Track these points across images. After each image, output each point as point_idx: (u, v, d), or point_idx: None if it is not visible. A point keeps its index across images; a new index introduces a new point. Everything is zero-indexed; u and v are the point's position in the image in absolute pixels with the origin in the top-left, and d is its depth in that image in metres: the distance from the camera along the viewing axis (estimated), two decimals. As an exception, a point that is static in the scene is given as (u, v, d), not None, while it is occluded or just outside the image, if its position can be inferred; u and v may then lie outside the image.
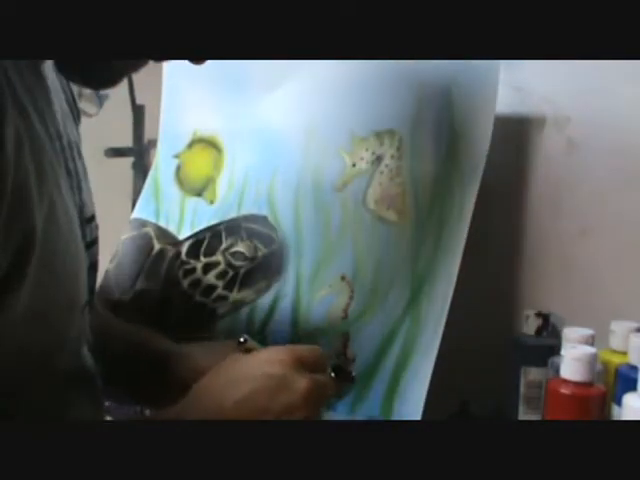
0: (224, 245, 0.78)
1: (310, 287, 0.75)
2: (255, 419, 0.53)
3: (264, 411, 0.53)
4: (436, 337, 0.71)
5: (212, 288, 0.77)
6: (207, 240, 0.79)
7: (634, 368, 0.65)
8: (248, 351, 0.60)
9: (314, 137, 0.78)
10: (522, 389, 0.77)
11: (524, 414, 0.77)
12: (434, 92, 0.76)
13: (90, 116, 1.01)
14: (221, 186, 0.82)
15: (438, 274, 0.73)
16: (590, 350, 0.62)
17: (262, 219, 0.78)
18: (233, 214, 0.80)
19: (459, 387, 0.82)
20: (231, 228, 0.79)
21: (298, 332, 0.75)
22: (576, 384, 0.61)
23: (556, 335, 0.78)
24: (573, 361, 0.61)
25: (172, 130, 0.87)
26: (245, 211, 0.79)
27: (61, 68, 0.55)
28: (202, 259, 0.78)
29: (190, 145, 0.86)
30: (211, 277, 0.77)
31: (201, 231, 0.80)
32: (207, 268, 0.78)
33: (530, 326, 0.81)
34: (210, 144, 0.84)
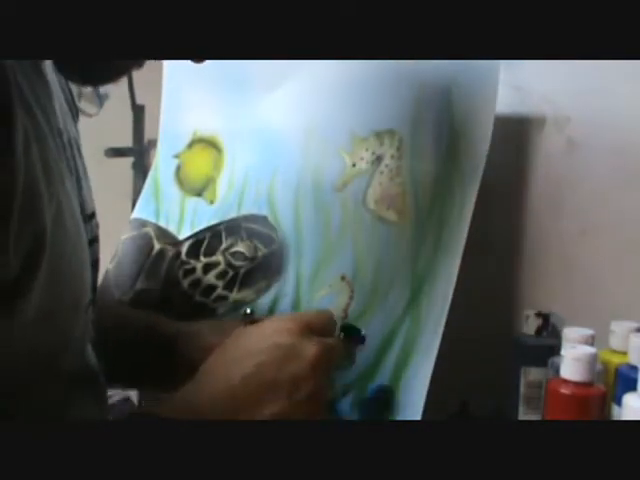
0: (224, 245, 0.78)
1: (310, 287, 0.75)
2: (264, 392, 0.53)
3: (272, 383, 0.53)
4: (436, 337, 0.71)
5: (212, 288, 0.77)
6: (207, 240, 0.79)
7: (634, 368, 0.65)
8: (254, 323, 0.60)
9: (314, 137, 0.78)
10: (522, 389, 0.77)
11: (524, 414, 0.77)
12: (434, 92, 0.76)
13: (90, 116, 1.01)
14: (221, 186, 0.82)
15: (438, 274, 0.73)
16: (590, 350, 0.62)
17: (262, 219, 0.78)
18: (233, 214, 0.80)
19: (459, 387, 0.82)
20: (231, 228, 0.79)
21: (298, 332, 0.75)
22: (576, 384, 0.61)
23: (556, 335, 0.78)
24: (573, 361, 0.61)
25: (172, 130, 0.87)
26: (245, 211, 0.79)
27: (60, 67, 0.55)
28: (202, 259, 0.78)
29: (190, 145, 0.86)
30: (211, 277, 0.77)
31: (201, 231, 0.80)
32: (207, 268, 0.78)
33: (530, 326, 0.81)
34: (210, 144, 0.84)
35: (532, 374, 0.77)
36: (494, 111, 0.75)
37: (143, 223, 0.84)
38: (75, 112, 0.64)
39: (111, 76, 0.55)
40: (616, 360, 0.69)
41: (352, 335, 0.60)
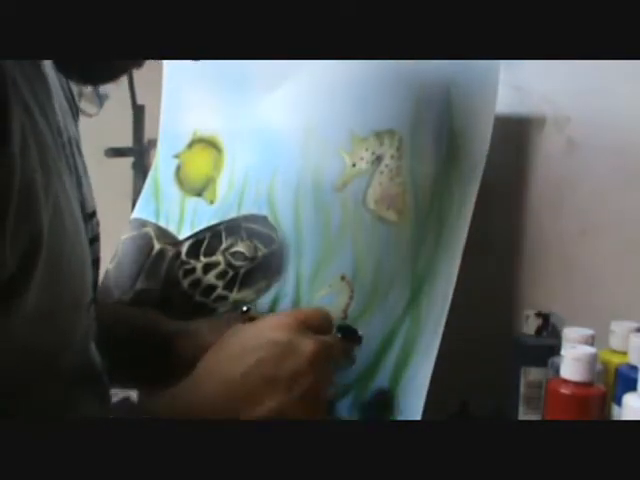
0: (224, 245, 0.78)
1: (310, 287, 0.75)
2: (263, 389, 0.53)
3: (271, 379, 0.53)
4: (436, 337, 0.71)
5: (212, 288, 0.77)
6: (207, 240, 0.79)
7: (634, 368, 0.65)
8: (252, 320, 0.60)
9: (314, 137, 0.78)
10: (522, 389, 0.77)
11: (524, 414, 0.77)
12: (434, 92, 0.76)
13: (90, 116, 1.01)
14: (221, 186, 0.82)
15: (438, 274, 0.73)
16: (590, 350, 0.62)
17: (262, 219, 0.78)
18: (233, 214, 0.80)
19: (459, 387, 0.82)
20: (231, 228, 0.79)
21: (298, 332, 0.75)
22: (576, 384, 0.61)
23: (556, 335, 0.78)
24: (573, 361, 0.61)
25: (172, 130, 0.87)
26: (245, 211, 0.79)
27: (59, 66, 0.55)
28: (202, 259, 0.78)
29: (190, 145, 0.86)
30: (211, 277, 0.77)
31: (201, 231, 0.80)
32: (207, 268, 0.78)
33: (530, 326, 0.81)
34: (210, 144, 0.84)
35: (532, 374, 0.77)
36: (494, 111, 0.75)
37: (143, 223, 0.84)
38: (75, 111, 0.64)
39: (111, 76, 0.55)
40: (616, 360, 0.69)
41: (349, 335, 0.60)
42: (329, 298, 0.74)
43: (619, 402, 0.62)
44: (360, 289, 0.74)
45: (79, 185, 0.56)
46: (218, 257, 0.78)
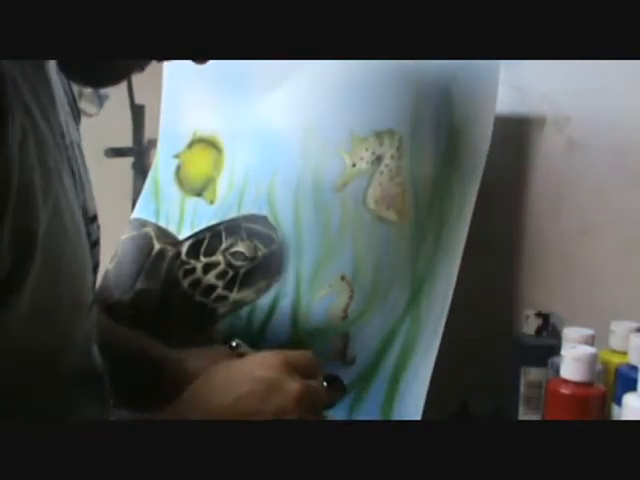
0: (224, 245, 0.78)
1: (310, 287, 0.75)
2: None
3: (256, 413, 0.53)
4: (436, 337, 0.71)
5: (212, 288, 0.77)
6: (207, 240, 0.79)
7: (634, 368, 0.65)
8: (241, 356, 0.61)
9: (314, 137, 0.78)
10: (522, 389, 0.77)
11: (524, 414, 0.77)
12: (434, 92, 0.76)
13: (90, 116, 1.01)
14: (221, 186, 0.82)
15: (438, 274, 0.73)
16: (590, 350, 0.62)
17: (262, 219, 0.78)
18: (233, 214, 0.80)
19: (459, 387, 0.82)
20: (231, 228, 0.79)
21: (298, 332, 0.75)
22: (576, 384, 0.61)
23: (556, 335, 0.78)
24: (573, 361, 0.61)
25: (172, 130, 0.87)
26: (245, 211, 0.79)
27: (62, 67, 0.55)
28: (202, 259, 0.78)
29: (190, 145, 0.86)
30: (211, 277, 0.77)
31: (201, 231, 0.80)
32: (207, 268, 0.78)
33: (530, 326, 0.81)
34: (210, 144, 0.84)
35: (532, 374, 0.77)
36: (494, 111, 0.75)
37: (143, 223, 0.84)
38: (77, 113, 0.64)
39: (112, 78, 0.55)
40: (616, 360, 0.69)
41: (335, 384, 0.60)
42: (329, 298, 0.74)
43: (619, 402, 0.62)
44: (360, 289, 0.74)
45: (81, 189, 0.56)
46: (218, 257, 0.78)
